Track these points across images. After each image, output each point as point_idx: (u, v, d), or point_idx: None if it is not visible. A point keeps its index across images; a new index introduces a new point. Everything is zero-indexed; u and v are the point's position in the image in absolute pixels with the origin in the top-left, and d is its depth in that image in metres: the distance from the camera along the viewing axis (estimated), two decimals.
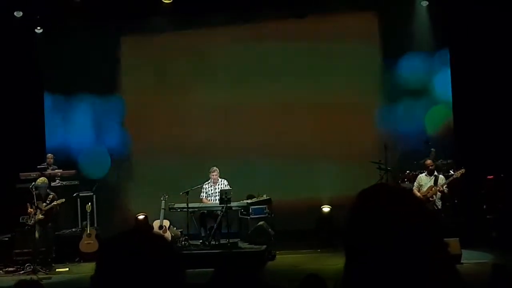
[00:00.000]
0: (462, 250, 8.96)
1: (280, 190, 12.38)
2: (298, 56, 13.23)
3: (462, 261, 8.73)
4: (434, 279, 1.19)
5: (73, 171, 12.69)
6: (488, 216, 11.02)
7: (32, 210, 10.37)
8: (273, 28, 13.32)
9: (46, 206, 10.43)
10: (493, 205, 11.10)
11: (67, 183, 12.41)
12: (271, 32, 13.29)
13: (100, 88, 13.67)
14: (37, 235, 10.31)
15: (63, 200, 10.77)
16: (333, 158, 12.88)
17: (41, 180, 10.65)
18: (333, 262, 10.16)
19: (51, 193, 10.65)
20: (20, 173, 11.58)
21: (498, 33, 11.74)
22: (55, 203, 10.48)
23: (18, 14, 12.63)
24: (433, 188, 10.26)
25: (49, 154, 12.74)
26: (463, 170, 10.16)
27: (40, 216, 10.28)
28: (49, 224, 10.58)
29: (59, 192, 11.59)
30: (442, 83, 12.83)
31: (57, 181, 12.25)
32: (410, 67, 12.92)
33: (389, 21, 12.77)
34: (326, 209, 12.44)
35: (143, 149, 13.55)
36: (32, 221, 10.33)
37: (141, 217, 12.57)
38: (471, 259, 9.20)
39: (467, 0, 12.10)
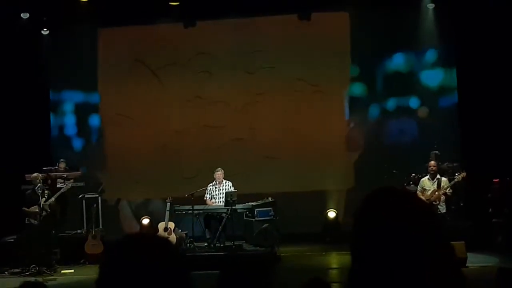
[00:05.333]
0: (467, 253, 8.95)
1: (284, 190, 12.37)
2: (295, 52, 13.17)
3: (467, 265, 8.72)
4: (440, 282, 1.18)
5: (78, 173, 12.68)
6: (493, 220, 10.99)
7: (26, 209, 10.34)
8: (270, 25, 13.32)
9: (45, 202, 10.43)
10: (498, 209, 11.06)
11: (72, 185, 12.40)
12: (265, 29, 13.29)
13: (108, 88, 13.67)
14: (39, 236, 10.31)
15: (52, 199, 10.63)
16: (337, 159, 12.88)
17: (34, 176, 10.60)
18: (337, 265, 10.17)
19: (46, 190, 10.61)
20: (26, 174, 11.58)
21: (504, 34, 11.71)
22: (50, 200, 10.41)
23: (24, 15, 12.67)
24: (437, 192, 10.20)
25: (62, 159, 12.75)
26: (464, 174, 10.11)
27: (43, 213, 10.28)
28: (50, 224, 10.53)
29: (66, 193, 11.60)
30: (440, 81, 13.02)
31: (66, 183, 12.26)
32: (406, 65, 13.14)
33: (388, 19, 12.73)
34: (331, 213, 12.42)
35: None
36: (36, 222, 10.32)
37: (145, 220, 12.57)
38: (476, 262, 9.18)
39: (471, 2, 12.08)
